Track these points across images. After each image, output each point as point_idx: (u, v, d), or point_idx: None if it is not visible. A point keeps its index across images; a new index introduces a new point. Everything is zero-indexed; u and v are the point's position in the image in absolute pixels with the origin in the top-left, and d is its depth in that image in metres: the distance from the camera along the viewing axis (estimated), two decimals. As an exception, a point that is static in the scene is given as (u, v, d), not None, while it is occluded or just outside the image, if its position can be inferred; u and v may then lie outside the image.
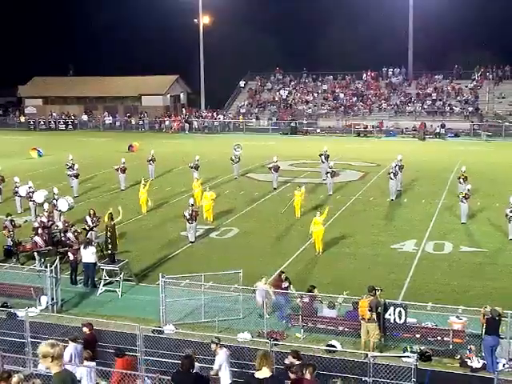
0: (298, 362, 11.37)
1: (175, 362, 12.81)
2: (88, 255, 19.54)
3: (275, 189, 33.90)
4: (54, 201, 26.18)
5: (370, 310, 14.93)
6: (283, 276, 17.47)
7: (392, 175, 30.48)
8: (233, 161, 37.32)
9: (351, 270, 21.12)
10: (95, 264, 19.68)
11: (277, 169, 34.04)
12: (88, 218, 23.23)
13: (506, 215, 24.17)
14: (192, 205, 24.56)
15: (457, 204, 28.37)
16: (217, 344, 12.76)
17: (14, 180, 29.89)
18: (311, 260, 22.24)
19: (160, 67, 73.74)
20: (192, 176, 33.27)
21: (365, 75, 74.15)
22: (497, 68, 69.77)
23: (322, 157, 35.77)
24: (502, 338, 14.47)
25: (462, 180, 29.59)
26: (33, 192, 27.79)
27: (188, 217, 23.85)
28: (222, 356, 12.51)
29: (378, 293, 15.36)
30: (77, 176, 32.57)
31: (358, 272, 20.76)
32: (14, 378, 9.88)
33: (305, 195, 28.47)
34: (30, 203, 27.98)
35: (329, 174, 32.36)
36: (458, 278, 20.25)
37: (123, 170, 34.03)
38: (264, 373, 8.32)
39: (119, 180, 34.17)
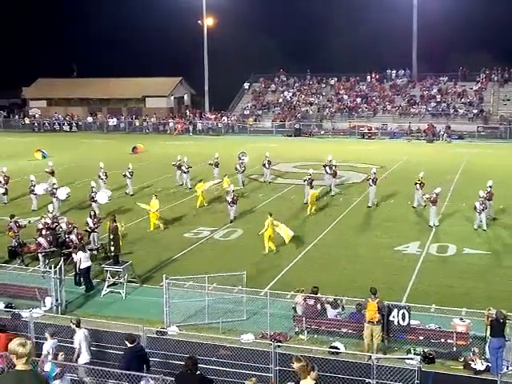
0: (130, 345, 12.53)
1: (179, 363, 12.84)
2: (84, 260, 19.50)
3: (270, 182, 36.20)
4: (93, 194, 28.03)
5: (379, 313, 14.94)
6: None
7: (371, 181, 30.12)
8: (238, 170, 35.44)
9: (354, 272, 21.10)
10: (90, 267, 19.68)
11: (270, 163, 36.62)
12: (89, 220, 23.29)
13: (475, 208, 25.81)
14: (233, 191, 28.43)
15: (460, 206, 28.46)
16: (75, 325, 13.75)
17: (30, 178, 30.61)
18: (315, 261, 22.24)
19: (164, 69, 73.93)
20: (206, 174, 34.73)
21: (369, 77, 74.19)
22: (502, 70, 69.68)
23: (327, 168, 33.52)
24: (507, 341, 14.45)
25: (418, 186, 29.33)
26: (56, 189, 29.07)
27: (230, 200, 27.58)
28: (80, 335, 13.53)
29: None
30: (132, 174, 33.40)
31: (362, 274, 20.74)
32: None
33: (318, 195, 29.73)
34: (54, 199, 29.00)
35: (306, 182, 30.68)
36: (462, 280, 20.23)
37: (179, 167, 35.21)
38: (308, 382, 9.48)
39: (175, 175, 35.69)
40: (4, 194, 31.89)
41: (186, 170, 34.65)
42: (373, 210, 29.93)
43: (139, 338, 13.86)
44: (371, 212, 29.52)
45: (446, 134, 58.81)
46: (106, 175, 32.69)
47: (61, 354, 12.11)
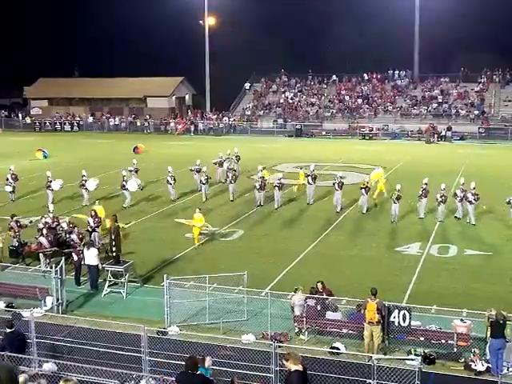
0: (10, 330, 13.55)
1: (179, 363, 12.84)
2: (91, 257, 19.56)
3: (241, 173, 36.93)
4: (124, 182, 30.50)
5: (378, 313, 14.94)
6: (319, 286, 16.96)
7: (336, 186, 29.65)
8: (230, 180, 32.33)
9: (355, 273, 21.09)
10: (97, 266, 19.71)
11: (238, 158, 38.07)
12: (90, 219, 23.34)
13: (436, 199, 27.37)
14: (262, 177, 30.60)
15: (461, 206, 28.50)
16: None
17: (47, 174, 31.54)
18: (316, 262, 22.24)
19: (165, 69, 73.93)
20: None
21: (366, 75, 74.15)
22: (503, 71, 69.67)
23: (309, 178, 31.23)
24: (508, 342, 14.44)
25: (363, 191, 29.08)
26: (85, 181, 30.93)
27: (258, 187, 30.20)
28: None
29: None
30: (199, 171, 33.50)
31: (363, 274, 20.73)
32: (20, 378, 9.95)
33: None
34: (83, 191, 30.95)
35: (276, 188, 30.24)
36: (463, 281, 20.22)
37: (221, 164, 35.92)
38: (299, 367, 10.57)
39: (217, 173, 35.87)
40: (11, 192, 32.27)
41: (204, 181, 32.26)
42: (374, 210, 29.91)
43: (140, 337, 13.86)
44: (372, 212, 29.50)
45: (436, 135, 58.72)
46: (174, 179, 31.77)
47: (208, 358, 11.94)
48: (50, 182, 31.01)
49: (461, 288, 19.62)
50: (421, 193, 28.06)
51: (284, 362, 10.78)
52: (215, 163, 36.19)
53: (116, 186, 34.63)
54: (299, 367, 10.51)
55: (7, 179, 32.29)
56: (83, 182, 30.93)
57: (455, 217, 28.05)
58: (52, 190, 30.94)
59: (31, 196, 33.30)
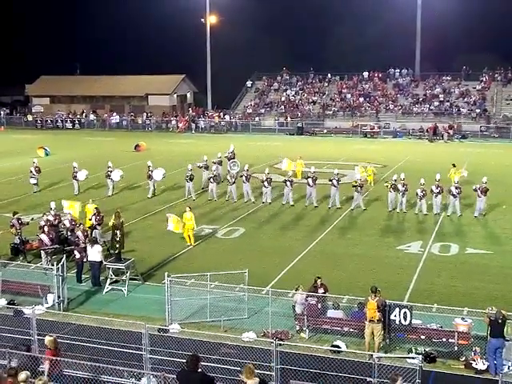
0: None
1: (180, 360, 12.85)
2: (94, 254, 19.62)
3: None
4: (150, 172, 32.19)
5: (378, 311, 14.94)
6: (319, 282, 17.00)
7: (335, 182, 29.78)
8: (229, 182, 31.68)
9: (357, 271, 21.10)
10: (101, 263, 19.76)
11: (220, 162, 35.94)
12: (92, 216, 23.37)
13: (417, 194, 28.63)
14: (268, 173, 31.48)
15: (463, 205, 28.46)
16: None
17: (73, 165, 33.25)
18: (317, 260, 22.24)
19: (167, 67, 73.92)
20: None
21: (367, 73, 74.04)
22: (505, 70, 69.61)
23: (309, 179, 30.33)
24: (508, 341, 14.44)
25: (359, 188, 29.37)
26: (111, 171, 32.78)
27: (266, 185, 30.61)
28: None
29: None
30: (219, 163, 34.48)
31: (364, 273, 20.74)
32: (22, 375, 9.96)
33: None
34: (108, 181, 32.84)
35: (288, 183, 30.52)
36: (464, 280, 20.22)
37: (230, 158, 36.28)
38: (254, 381, 10.60)
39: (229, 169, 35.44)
40: (35, 184, 33.40)
41: (211, 179, 32.04)
42: (376, 208, 29.90)
43: (141, 335, 13.87)
44: (373, 211, 29.49)
45: (446, 134, 58.75)
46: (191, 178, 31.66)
47: (400, 378, 11.40)
48: (76, 172, 32.73)
49: (462, 287, 19.62)
50: (421, 193, 28.53)
51: (240, 375, 10.75)
52: (226, 157, 36.48)
53: (118, 184, 34.73)
54: (254, 380, 10.40)
55: (31, 171, 33.44)
56: (109, 172, 32.58)
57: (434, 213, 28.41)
58: (77, 180, 32.72)
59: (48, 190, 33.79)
